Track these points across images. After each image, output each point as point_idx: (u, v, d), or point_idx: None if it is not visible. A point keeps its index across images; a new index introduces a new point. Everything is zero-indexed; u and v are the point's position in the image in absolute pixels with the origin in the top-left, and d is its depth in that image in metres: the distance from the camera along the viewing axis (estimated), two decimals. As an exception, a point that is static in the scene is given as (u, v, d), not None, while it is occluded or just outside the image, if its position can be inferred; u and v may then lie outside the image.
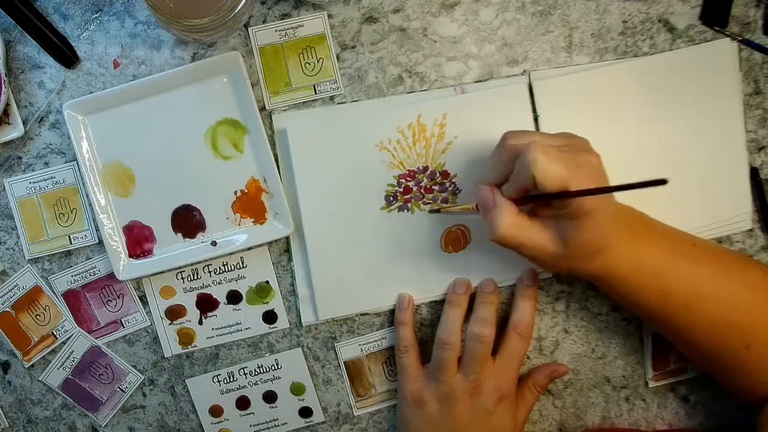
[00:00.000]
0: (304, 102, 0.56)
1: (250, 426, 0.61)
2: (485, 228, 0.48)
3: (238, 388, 0.60)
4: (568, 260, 0.47)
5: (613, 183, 0.44)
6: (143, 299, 0.59)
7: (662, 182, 0.37)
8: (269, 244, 0.58)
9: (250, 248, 0.57)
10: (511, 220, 0.46)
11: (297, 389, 0.60)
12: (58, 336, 0.59)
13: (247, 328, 0.59)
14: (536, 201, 0.46)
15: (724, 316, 0.49)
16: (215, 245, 0.57)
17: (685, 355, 0.56)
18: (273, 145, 0.56)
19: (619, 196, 0.45)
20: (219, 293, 0.59)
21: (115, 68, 0.56)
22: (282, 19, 0.55)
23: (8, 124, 0.55)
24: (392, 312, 0.59)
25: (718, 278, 0.50)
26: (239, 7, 0.48)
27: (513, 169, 0.45)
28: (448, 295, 0.57)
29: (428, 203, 0.56)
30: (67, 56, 0.55)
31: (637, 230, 0.49)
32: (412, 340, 0.57)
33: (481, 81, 0.56)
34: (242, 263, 0.58)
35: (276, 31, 0.55)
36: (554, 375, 0.57)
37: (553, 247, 0.46)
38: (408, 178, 0.56)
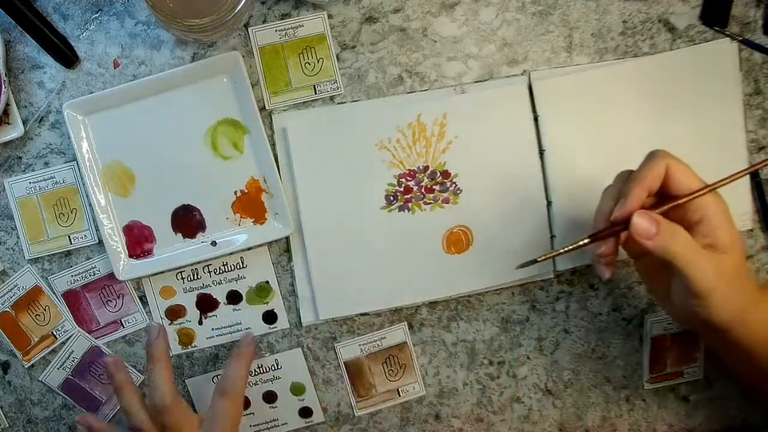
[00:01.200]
0: (304, 102, 0.56)
1: (250, 426, 0.61)
2: (657, 243, 0.43)
3: (238, 388, 0.60)
4: (734, 281, 0.44)
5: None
6: (143, 299, 0.59)
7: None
8: (269, 244, 0.58)
9: (250, 248, 0.57)
10: (684, 234, 0.43)
11: (297, 389, 0.60)
12: (58, 336, 0.59)
13: (247, 328, 0.59)
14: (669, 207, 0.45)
15: None
16: (215, 245, 0.57)
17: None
18: (273, 145, 0.56)
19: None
20: (219, 293, 0.59)
21: (115, 68, 0.56)
22: (282, 19, 0.55)
23: (8, 124, 0.55)
24: (392, 312, 0.59)
25: None
26: (239, 7, 0.48)
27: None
28: (146, 347, 0.54)
29: (429, 203, 0.56)
30: (67, 56, 0.55)
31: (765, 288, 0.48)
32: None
33: (481, 81, 0.56)
34: (242, 263, 0.58)
35: (276, 31, 0.55)
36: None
37: (718, 261, 0.44)
38: (408, 178, 0.56)
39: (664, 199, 0.45)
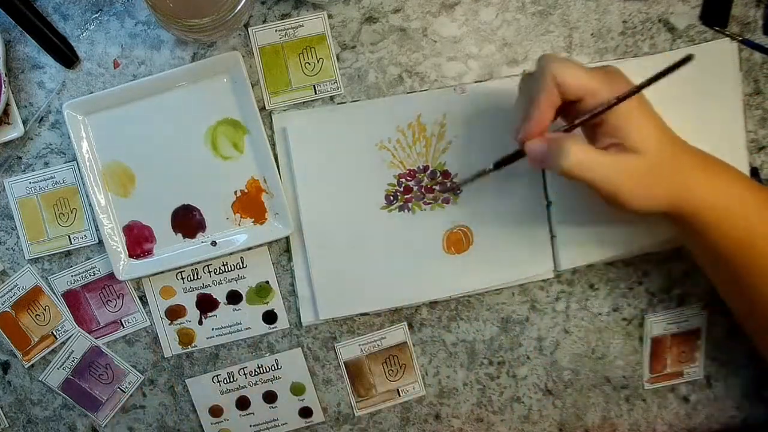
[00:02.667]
0: (304, 102, 0.56)
1: (250, 426, 0.61)
2: (550, 162, 0.44)
3: (238, 389, 0.60)
4: (652, 176, 0.44)
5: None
6: (143, 299, 0.59)
7: (689, 58, 0.38)
8: (269, 244, 0.58)
9: (250, 248, 0.57)
10: (582, 142, 0.44)
11: (297, 389, 0.60)
12: (58, 336, 0.59)
13: (247, 328, 0.59)
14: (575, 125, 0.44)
15: None
16: (215, 245, 0.57)
17: (740, 313, 0.52)
18: (273, 145, 0.56)
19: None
20: (219, 293, 0.59)
21: (115, 68, 0.56)
22: (282, 19, 0.55)
23: (8, 124, 0.55)
24: (392, 312, 0.59)
25: None
26: (239, 7, 0.48)
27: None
28: None
29: (429, 203, 0.56)
30: (67, 56, 0.55)
31: (709, 160, 0.47)
32: None
33: (481, 81, 0.56)
34: (242, 263, 0.58)
35: (276, 31, 0.55)
36: None
37: (632, 161, 0.44)
38: (408, 178, 0.56)
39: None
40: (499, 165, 0.48)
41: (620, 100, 0.42)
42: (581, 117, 0.44)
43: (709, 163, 0.47)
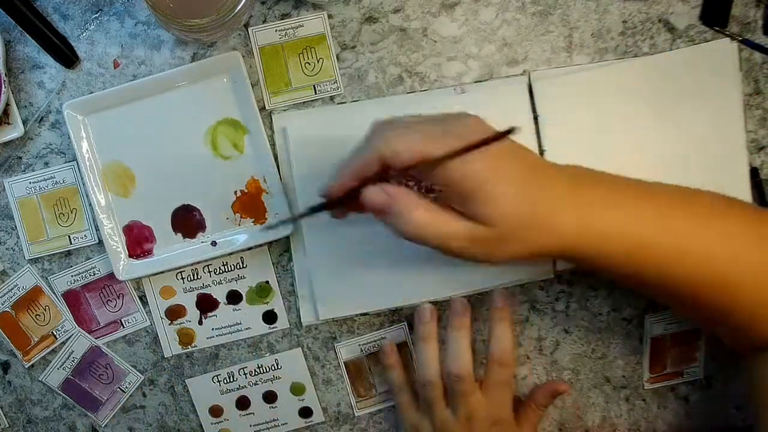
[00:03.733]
0: (304, 102, 0.56)
1: (250, 426, 0.61)
2: (392, 226, 0.42)
3: (238, 388, 0.60)
4: (505, 242, 0.41)
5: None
6: (143, 299, 0.59)
7: (511, 131, 0.36)
8: (269, 244, 0.58)
9: (250, 248, 0.57)
10: (424, 207, 0.41)
11: (297, 389, 0.60)
12: (58, 336, 0.59)
13: (247, 328, 0.59)
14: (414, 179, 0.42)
15: (706, 273, 0.44)
16: (215, 245, 0.57)
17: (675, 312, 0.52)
18: (273, 145, 0.56)
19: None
20: (219, 293, 0.59)
21: (115, 68, 0.56)
22: (282, 19, 0.55)
23: (8, 124, 0.55)
24: (392, 312, 0.59)
25: (696, 233, 0.43)
26: (239, 7, 0.48)
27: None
28: (416, 327, 0.56)
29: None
30: (67, 56, 0.55)
31: (579, 189, 0.43)
32: (402, 379, 0.57)
33: (481, 81, 0.56)
34: (242, 263, 0.58)
35: (276, 31, 0.55)
36: (555, 393, 0.57)
37: (478, 232, 0.40)
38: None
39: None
40: (312, 211, 0.46)
41: (437, 162, 0.38)
42: (400, 176, 0.41)
43: (580, 196, 0.43)
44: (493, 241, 0.41)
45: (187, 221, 0.57)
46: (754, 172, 0.57)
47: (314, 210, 0.46)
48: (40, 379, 0.60)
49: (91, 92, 0.56)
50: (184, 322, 0.59)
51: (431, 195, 0.45)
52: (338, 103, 0.56)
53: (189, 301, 0.59)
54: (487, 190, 0.39)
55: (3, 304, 0.58)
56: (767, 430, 0.46)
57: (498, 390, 0.54)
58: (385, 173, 0.41)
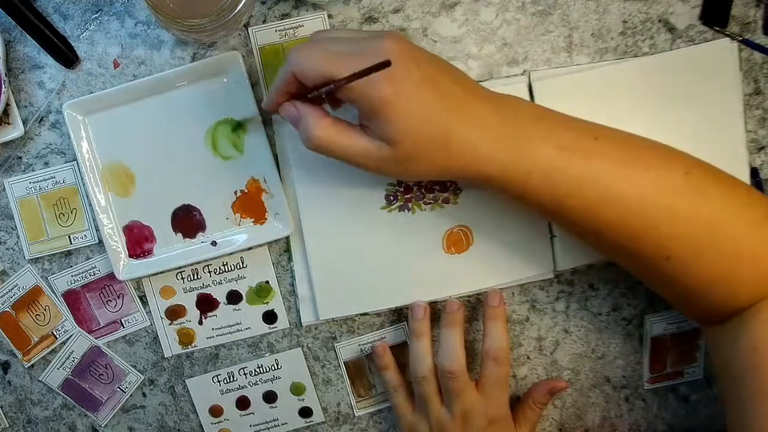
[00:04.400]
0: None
1: (250, 426, 0.61)
2: (301, 139, 0.46)
3: (238, 388, 0.60)
4: (414, 161, 0.42)
5: None
6: (143, 299, 0.59)
7: (386, 64, 0.37)
8: (269, 244, 0.58)
9: (250, 248, 0.57)
10: (325, 123, 0.44)
11: (297, 389, 0.60)
12: (58, 336, 0.59)
13: (247, 328, 0.59)
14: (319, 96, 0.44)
15: (636, 222, 0.43)
16: (215, 245, 0.57)
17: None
18: (273, 145, 0.56)
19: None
20: (219, 293, 0.59)
21: (115, 68, 0.56)
22: (282, 19, 0.55)
23: (8, 124, 0.55)
24: (392, 312, 0.59)
25: (627, 178, 0.42)
26: (239, 7, 0.48)
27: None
28: (409, 324, 0.57)
29: (429, 203, 0.56)
30: (67, 56, 0.55)
31: (504, 118, 0.43)
32: (397, 380, 0.57)
33: (481, 81, 0.56)
34: (242, 263, 0.58)
35: (276, 31, 0.55)
36: (553, 391, 0.57)
37: (383, 151, 0.42)
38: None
39: None
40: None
41: (336, 85, 0.40)
42: (315, 92, 0.43)
43: (508, 130, 0.43)
44: (401, 159, 0.43)
45: (187, 221, 0.57)
46: (754, 172, 0.57)
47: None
48: (40, 379, 0.60)
49: (91, 92, 0.56)
50: (184, 322, 0.59)
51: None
52: (338, 103, 0.56)
53: (189, 301, 0.59)
54: (388, 111, 0.41)
55: (3, 304, 0.58)
56: (736, 415, 0.44)
57: (494, 388, 0.54)
58: (305, 88, 0.44)
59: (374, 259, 0.57)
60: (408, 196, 0.56)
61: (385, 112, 0.41)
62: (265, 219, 0.57)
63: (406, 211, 0.56)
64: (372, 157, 0.43)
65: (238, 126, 0.55)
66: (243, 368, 0.60)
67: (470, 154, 0.42)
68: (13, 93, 0.55)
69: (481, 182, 0.45)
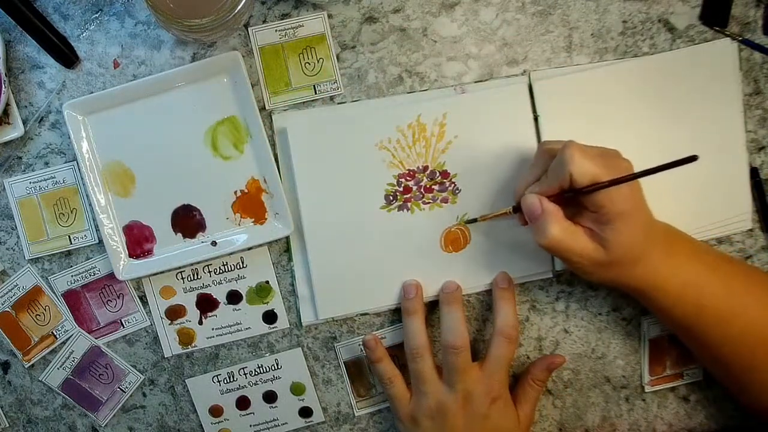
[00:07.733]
0: (304, 102, 0.56)
1: (250, 426, 0.61)
2: (533, 233, 0.49)
3: (238, 388, 0.60)
4: (610, 267, 0.48)
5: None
6: (143, 299, 0.59)
7: (693, 159, 0.38)
8: (269, 244, 0.58)
9: (250, 248, 0.57)
10: (561, 225, 0.47)
11: (297, 389, 0.60)
12: (58, 336, 0.59)
13: (247, 328, 0.59)
14: (571, 197, 0.47)
15: (757, 333, 0.50)
16: (215, 245, 0.57)
17: (707, 368, 0.58)
18: (273, 145, 0.56)
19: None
20: (219, 293, 0.59)
21: (115, 68, 0.56)
22: (282, 19, 0.55)
23: (8, 124, 0.55)
24: (392, 312, 0.59)
25: (754, 296, 0.50)
26: (239, 7, 0.48)
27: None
28: (402, 304, 0.57)
29: (428, 203, 0.56)
30: (67, 56, 0.55)
31: (674, 243, 0.50)
32: (392, 371, 0.57)
33: (481, 81, 0.56)
34: (242, 263, 0.58)
35: (276, 31, 0.55)
36: (552, 367, 0.57)
37: (596, 254, 0.47)
38: (408, 178, 0.56)
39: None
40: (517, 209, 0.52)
41: (612, 183, 0.45)
42: (570, 192, 0.47)
43: (673, 248, 0.50)
44: (603, 264, 0.48)
45: (187, 221, 0.57)
46: (754, 172, 0.57)
47: (516, 209, 0.53)
48: (40, 379, 0.60)
49: (91, 92, 0.56)
50: (184, 322, 0.59)
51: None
52: (338, 103, 0.56)
53: (189, 301, 0.59)
54: (621, 223, 0.46)
55: (3, 304, 0.58)
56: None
57: (498, 366, 0.54)
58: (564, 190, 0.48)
59: (374, 258, 0.57)
60: (407, 195, 0.56)
61: (618, 223, 0.46)
62: (265, 219, 0.57)
63: (405, 210, 0.57)
64: (586, 255, 0.48)
65: (246, 129, 0.55)
66: (243, 368, 0.60)
67: (651, 269, 0.49)
68: (13, 93, 0.55)
69: (636, 289, 0.50)
